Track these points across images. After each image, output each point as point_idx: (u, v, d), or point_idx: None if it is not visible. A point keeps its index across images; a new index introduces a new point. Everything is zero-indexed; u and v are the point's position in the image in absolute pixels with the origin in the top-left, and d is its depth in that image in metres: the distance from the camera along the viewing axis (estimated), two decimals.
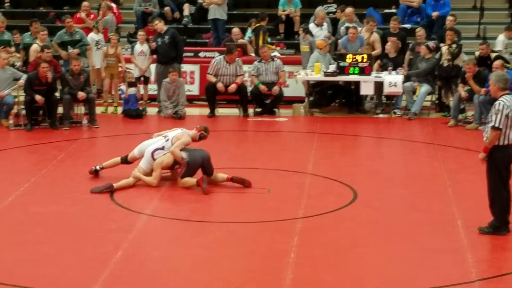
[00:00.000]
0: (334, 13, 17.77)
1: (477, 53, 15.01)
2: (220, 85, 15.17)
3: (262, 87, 15.32)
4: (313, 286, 7.24)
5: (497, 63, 13.56)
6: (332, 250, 8.09)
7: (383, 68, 15.59)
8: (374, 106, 15.82)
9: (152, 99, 16.02)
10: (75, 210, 9.38)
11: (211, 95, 15.34)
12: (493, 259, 8.01)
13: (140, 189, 10.18)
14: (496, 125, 8.16)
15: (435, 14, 17.52)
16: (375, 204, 9.65)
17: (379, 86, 15.23)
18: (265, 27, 17.15)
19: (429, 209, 9.41)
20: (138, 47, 15.65)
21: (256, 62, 15.63)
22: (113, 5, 18.35)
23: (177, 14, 19.13)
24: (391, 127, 14.61)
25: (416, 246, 8.18)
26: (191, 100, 16.25)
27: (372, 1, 18.78)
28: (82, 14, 17.19)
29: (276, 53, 16.60)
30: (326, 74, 15.32)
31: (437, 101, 15.81)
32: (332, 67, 15.43)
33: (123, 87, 15.21)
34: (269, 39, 17.25)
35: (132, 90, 15.12)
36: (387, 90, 15.11)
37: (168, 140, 10.40)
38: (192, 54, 16.93)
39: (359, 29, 16.20)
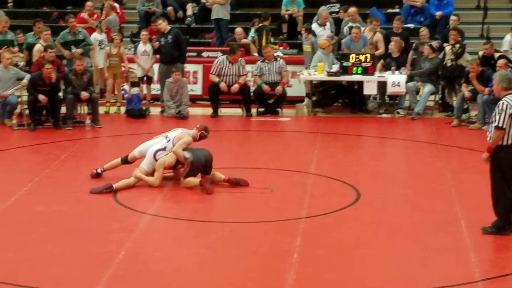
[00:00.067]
0: (337, 12, 17.76)
1: (480, 53, 14.99)
2: (223, 85, 15.17)
3: (265, 87, 15.31)
4: (316, 286, 7.23)
5: (500, 62, 13.55)
6: (335, 250, 8.08)
7: (386, 68, 15.57)
8: (377, 106, 15.81)
9: (155, 99, 16.03)
10: (78, 210, 9.38)
11: (214, 95, 15.34)
12: (496, 259, 8.00)
13: (143, 189, 10.18)
14: (500, 124, 8.15)
15: (438, 13, 17.51)
16: (378, 204, 9.64)
17: (382, 86, 15.21)
18: (268, 27, 17.13)
19: (432, 209, 9.40)
20: (141, 47, 15.66)
21: (259, 62, 15.63)
22: (116, 5, 18.35)
23: (180, 14, 19.13)
24: (394, 127, 14.59)
25: (420, 246, 8.17)
26: (194, 100, 16.26)
27: (375, 0, 18.74)
28: (85, 15, 17.20)
29: (279, 53, 16.59)
30: (329, 74, 15.30)
31: (440, 101, 15.80)
32: (335, 67, 15.42)
33: (126, 87, 15.21)
34: (272, 39, 17.23)
35: (135, 90, 15.12)
36: (390, 90, 15.08)
37: (169, 140, 10.39)
38: (195, 54, 16.93)
39: (362, 29, 16.19)
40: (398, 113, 15.36)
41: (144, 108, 15.31)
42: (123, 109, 15.38)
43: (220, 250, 8.10)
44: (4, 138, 13.38)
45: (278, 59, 15.68)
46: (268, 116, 15.29)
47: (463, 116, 14.47)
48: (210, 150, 10.47)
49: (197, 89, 16.78)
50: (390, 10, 18.74)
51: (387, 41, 16.01)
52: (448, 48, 15.13)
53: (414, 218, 9.08)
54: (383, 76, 15.16)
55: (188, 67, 16.48)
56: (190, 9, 19.19)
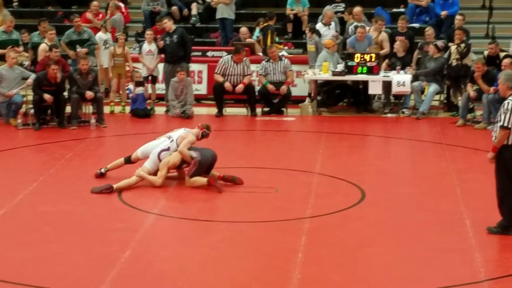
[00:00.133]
0: (342, 12, 17.74)
1: (486, 53, 14.96)
2: (227, 85, 15.16)
3: (270, 87, 15.31)
4: (321, 286, 7.23)
5: (506, 61, 13.54)
6: (340, 250, 8.07)
7: (391, 67, 15.56)
8: (382, 106, 15.79)
9: (160, 98, 16.04)
10: (83, 209, 9.39)
11: (219, 95, 15.34)
12: (501, 259, 7.98)
13: (148, 188, 10.18)
14: (505, 124, 8.14)
15: (443, 13, 17.49)
16: (383, 204, 9.63)
17: (387, 85, 15.20)
18: (273, 26, 17.13)
19: (437, 209, 9.39)
20: (146, 46, 15.67)
21: (264, 62, 15.63)
22: (121, 4, 18.38)
23: (186, 12, 19.12)
24: (399, 127, 14.58)
25: (424, 245, 8.16)
26: (199, 100, 16.27)
27: (380, 0, 18.73)
28: (89, 15, 17.21)
29: (284, 53, 16.59)
30: (334, 73, 15.29)
31: (445, 101, 15.78)
32: (340, 67, 15.41)
33: (130, 86, 15.22)
34: (277, 39, 17.24)
35: (139, 90, 15.13)
36: (395, 89, 15.07)
37: (172, 141, 10.38)
38: (200, 53, 16.93)
39: (367, 28, 16.17)
40: (403, 112, 15.34)
41: (149, 107, 15.32)
42: (128, 109, 15.40)
43: (225, 250, 8.10)
44: (9, 138, 13.40)
45: (283, 58, 15.67)
46: (273, 116, 15.29)
47: (468, 116, 14.45)
48: (215, 150, 10.48)
49: (202, 88, 16.78)
50: (395, 10, 18.73)
51: (392, 41, 15.99)
52: (453, 47, 15.11)
53: (419, 218, 9.07)
54: (388, 76, 15.14)
55: (193, 67, 16.48)
56: (195, 8, 19.19)
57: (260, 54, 16.73)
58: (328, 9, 17.09)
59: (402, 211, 9.38)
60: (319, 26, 16.66)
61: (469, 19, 17.08)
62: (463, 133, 13.84)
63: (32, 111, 14.05)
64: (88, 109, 14.74)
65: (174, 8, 19.12)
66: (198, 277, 7.40)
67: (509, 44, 15.96)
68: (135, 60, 15.86)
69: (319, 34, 16.37)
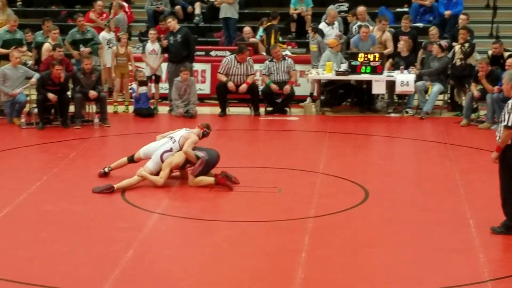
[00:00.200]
0: (345, 12, 17.73)
1: (490, 52, 14.94)
2: (231, 85, 15.16)
3: (274, 86, 15.30)
4: (324, 285, 7.22)
5: (510, 61, 13.52)
6: (343, 250, 8.06)
7: (395, 67, 15.54)
8: (385, 105, 15.78)
9: (163, 98, 16.03)
10: (86, 209, 9.39)
11: (222, 94, 15.34)
12: (505, 258, 7.97)
13: (151, 188, 10.17)
14: (509, 124, 8.11)
15: (447, 13, 17.46)
16: (386, 204, 9.61)
17: (391, 85, 15.18)
18: (276, 26, 17.11)
19: (440, 209, 9.38)
20: (150, 46, 15.67)
21: (267, 61, 15.61)
22: (125, 4, 18.38)
23: (190, 9, 19.11)
24: (403, 127, 14.56)
25: (428, 245, 8.14)
26: (202, 99, 16.27)
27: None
28: (93, 15, 17.22)
29: (287, 52, 16.58)
30: (338, 73, 15.28)
31: (449, 100, 15.75)
32: (344, 66, 15.40)
33: (134, 86, 15.22)
34: (280, 38, 17.22)
35: (143, 89, 15.13)
36: (399, 89, 15.05)
37: (175, 141, 10.37)
38: (203, 53, 16.93)
39: (371, 28, 16.16)
40: (406, 112, 15.33)
41: (152, 107, 15.32)
42: (131, 108, 15.40)
43: (228, 249, 8.10)
44: (12, 137, 13.42)
45: (287, 58, 15.66)
46: (276, 115, 15.28)
47: (472, 116, 14.43)
48: (218, 149, 10.48)
49: (205, 88, 16.78)
50: (398, 9, 18.70)
51: (396, 40, 15.97)
52: (457, 47, 15.08)
53: (422, 218, 9.05)
54: (392, 76, 15.13)
55: (196, 66, 16.47)
56: (198, 8, 19.19)
57: (264, 53, 16.72)
58: (332, 9, 17.09)
59: (405, 211, 9.36)
60: (322, 25, 16.65)
61: (473, 19, 17.06)
62: (467, 133, 13.82)
63: (35, 110, 14.06)
64: (92, 108, 14.74)
65: (178, 7, 19.13)
66: (201, 277, 7.39)
67: None
68: (139, 59, 15.86)
69: (321, 33, 16.36)
